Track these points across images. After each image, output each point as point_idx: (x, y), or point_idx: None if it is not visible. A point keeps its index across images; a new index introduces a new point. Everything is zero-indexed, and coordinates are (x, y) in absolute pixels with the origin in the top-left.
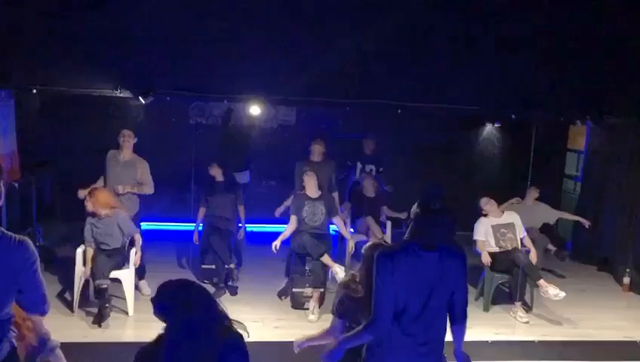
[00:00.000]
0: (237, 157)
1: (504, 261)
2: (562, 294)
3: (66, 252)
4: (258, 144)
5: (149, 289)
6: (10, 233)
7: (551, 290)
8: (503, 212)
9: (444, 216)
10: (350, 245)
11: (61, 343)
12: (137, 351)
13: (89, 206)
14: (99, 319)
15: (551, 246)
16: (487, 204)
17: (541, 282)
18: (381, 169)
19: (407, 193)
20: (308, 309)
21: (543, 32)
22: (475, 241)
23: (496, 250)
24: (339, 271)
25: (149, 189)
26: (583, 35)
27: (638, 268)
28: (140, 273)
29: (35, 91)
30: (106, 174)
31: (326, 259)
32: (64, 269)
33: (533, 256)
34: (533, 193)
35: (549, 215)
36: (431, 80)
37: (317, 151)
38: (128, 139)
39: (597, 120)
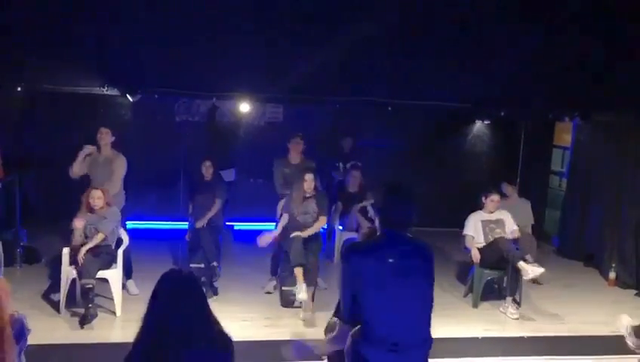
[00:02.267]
0: (223, 155)
1: (492, 255)
2: (541, 269)
3: (52, 252)
4: (245, 141)
5: (136, 288)
6: None
7: (530, 268)
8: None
9: (408, 194)
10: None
11: (47, 344)
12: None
13: (86, 206)
14: (82, 320)
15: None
16: (492, 197)
17: (521, 264)
18: (359, 164)
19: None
20: (298, 308)
21: (531, 30)
22: (464, 236)
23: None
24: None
25: (113, 188)
26: (573, 31)
27: (624, 263)
28: (128, 272)
29: (19, 89)
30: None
31: (299, 272)
32: (49, 270)
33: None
34: (511, 188)
35: (524, 219)
36: (420, 78)
37: (295, 150)
38: (105, 137)
39: (585, 117)
